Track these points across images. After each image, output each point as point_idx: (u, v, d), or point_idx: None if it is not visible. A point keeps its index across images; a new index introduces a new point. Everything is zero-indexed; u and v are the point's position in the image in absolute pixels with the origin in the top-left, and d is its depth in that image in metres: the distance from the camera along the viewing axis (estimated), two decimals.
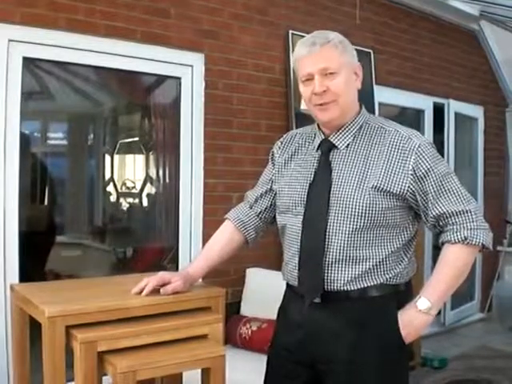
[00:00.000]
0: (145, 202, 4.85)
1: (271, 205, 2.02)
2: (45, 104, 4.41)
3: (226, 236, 2.05)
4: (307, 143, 1.93)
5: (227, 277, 3.42)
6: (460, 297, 5.33)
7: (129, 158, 5.14)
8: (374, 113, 4.23)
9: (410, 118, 5.21)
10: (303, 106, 3.41)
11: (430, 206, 1.75)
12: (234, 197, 3.49)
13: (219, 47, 3.57)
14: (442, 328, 5.16)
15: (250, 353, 3.12)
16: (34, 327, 1.88)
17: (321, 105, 1.78)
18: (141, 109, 4.41)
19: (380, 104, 4.49)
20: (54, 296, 1.91)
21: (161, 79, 3.68)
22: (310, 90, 1.78)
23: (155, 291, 1.89)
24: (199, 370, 1.91)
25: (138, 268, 4.08)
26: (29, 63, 2.96)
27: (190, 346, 1.87)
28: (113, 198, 5.10)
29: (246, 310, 3.42)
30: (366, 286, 1.75)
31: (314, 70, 1.76)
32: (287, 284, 1.93)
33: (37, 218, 4.19)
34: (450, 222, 1.74)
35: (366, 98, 4.11)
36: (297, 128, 2.15)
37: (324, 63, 1.75)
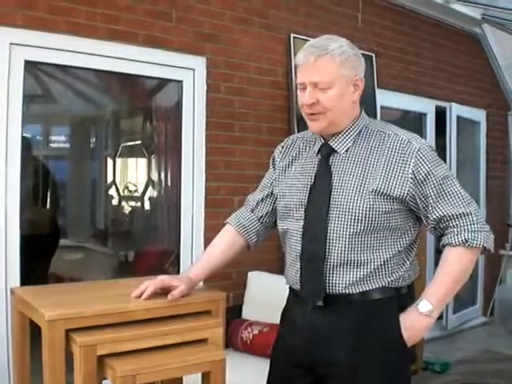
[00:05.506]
0: (147, 206, 4.86)
1: (272, 209, 2.01)
2: (46, 107, 4.43)
3: (227, 240, 2.04)
4: (308, 147, 1.93)
5: (229, 280, 3.42)
6: (462, 301, 5.32)
7: (131, 161, 5.15)
8: (375, 116, 4.22)
9: (412, 121, 5.20)
10: None
11: (431, 209, 1.75)
12: (236, 200, 3.49)
13: (221, 50, 3.57)
14: (445, 332, 5.14)
15: (252, 357, 3.10)
16: (35, 331, 1.87)
17: (310, 114, 1.79)
18: (143, 112, 4.42)
19: (382, 107, 4.48)
20: (54, 299, 1.90)
21: (163, 82, 3.69)
22: (302, 98, 1.79)
23: (155, 295, 1.89)
24: (199, 374, 1.90)
25: (140, 271, 4.09)
26: (30, 67, 2.97)
27: (190, 349, 1.86)
28: (115, 202, 5.11)
29: (247, 313, 3.41)
30: (367, 289, 1.76)
31: (306, 81, 1.76)
32: (290, 288, 1.93)
33: (38, 222, 4.20)
34: (451, 225, 1.74)
35: (367, 101, 4.11)
36: (298, 131, 2.15)
37: (316, 77, 1.74)
